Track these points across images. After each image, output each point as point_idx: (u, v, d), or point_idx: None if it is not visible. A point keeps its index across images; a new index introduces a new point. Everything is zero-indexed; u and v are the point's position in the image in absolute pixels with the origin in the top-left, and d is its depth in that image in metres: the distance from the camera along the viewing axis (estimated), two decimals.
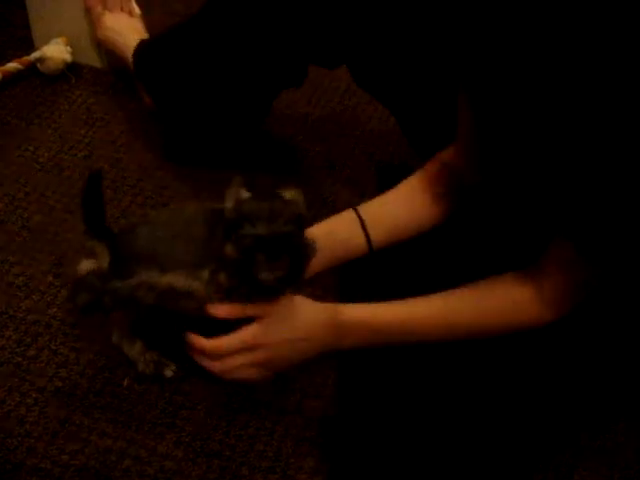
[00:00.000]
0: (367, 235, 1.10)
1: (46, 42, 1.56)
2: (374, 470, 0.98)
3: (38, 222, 1.28)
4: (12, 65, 1.54)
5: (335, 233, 1.10)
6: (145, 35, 1.52)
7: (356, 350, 1.06)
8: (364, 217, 1.10)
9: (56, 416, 1.04)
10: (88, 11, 1.53)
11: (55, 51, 1.55)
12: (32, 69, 1.56)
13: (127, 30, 1.51)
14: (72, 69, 1.57)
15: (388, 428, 1.02)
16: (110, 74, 1.58)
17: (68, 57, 1.56)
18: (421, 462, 0.97)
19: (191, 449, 1.03)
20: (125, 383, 1.09)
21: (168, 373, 1.10)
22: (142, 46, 1.44)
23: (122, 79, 1.56)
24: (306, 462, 1.03)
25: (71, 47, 1.57)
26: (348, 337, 0.99)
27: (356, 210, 1.11)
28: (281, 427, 1.06)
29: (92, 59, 1.59)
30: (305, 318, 0.97)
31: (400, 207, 1.12)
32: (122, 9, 1.55)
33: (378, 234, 1.10)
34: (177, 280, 0.99)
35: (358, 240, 1.10)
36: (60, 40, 1.57)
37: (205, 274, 0.97)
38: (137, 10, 1.58)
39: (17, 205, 1.31)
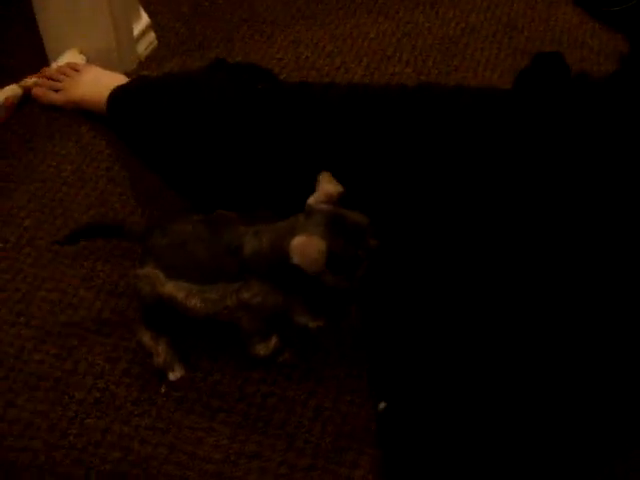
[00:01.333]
0: None
1: (60, 54, 1.58)
2: (416, 462, 1.00)
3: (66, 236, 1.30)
4: (31, 80, 1.55)
5: None
6: (101, 74, 1.52)
7: (386, 342, 1.09)
8: None
9: (97, 426, 1.07)
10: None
11: (72, 60, 1.57)
12: None
13: (91, 89, 1.50)
14: None
15: (426, 421, 1.03)
16: None
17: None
18: (460, 450, 0.98)
19: (231, 451, 1.04)
20: (162, 390, 1.10)
21: (171, 376, 1.12)
22: (116, 97, 1.43)
23: None
24: (346, 456, 1.04)
25: (85, 57, 1.59)
26: None
27: None
28: (318, 424, 1.07)
29: (107, 68, 1.60)
30: None
31: None
32: (67, 75, 1.54)
33: None
34: (178, 293, 1.04)
35: None
36: (74, 50, 1.58)
37: (212, 294, 1.03)
38: (81, 58, 1.58)
39: (44, 220, 1.33)
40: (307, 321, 1.08)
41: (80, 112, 1.51)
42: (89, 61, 1.58)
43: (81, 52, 1.58)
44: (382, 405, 1.06)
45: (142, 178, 1.40)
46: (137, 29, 1.63)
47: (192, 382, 1.11)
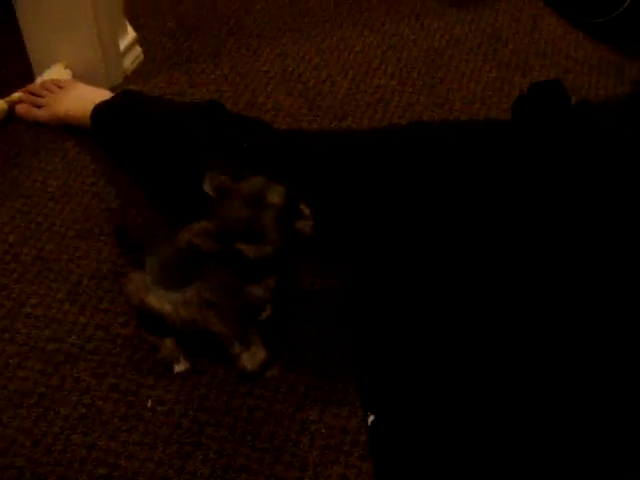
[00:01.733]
0: None
1: (45, 68, 1.58)
2: (407, 473, 0.99)
3: (51, 251, 1.30)
4: (17, 95, 1.55)
5: None
6: (84, 90, 1.52)
7: (374, 353, 1.08)
8: None
9: (83, 443, 1.06)
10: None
11: (57, 74, 1.57)
12: None
13: (75, 104, 1.49)
14: None
15: (416, 432, 1.03)
16: None
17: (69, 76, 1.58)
18: (451, 463, 0.98)
19: (218, 466, 1.03)
20: (149, 405, 1.10)
21: (177, 368, 1.13)
22: (100, 112, 1.43)
23: None
24: (334, 470, 1.03)
25: (71, 72, 1.59)
26: None
27: None
28: (306, 437, 1.07)
29: (93, 83, 1.60)
30: None
31: None
32: (50, 91, 1.54)
33: None
34: (155, 300, 1.06)
35: None
36: (59, 64, 1.58)
37: (177, 297, 1.05)
38: (66, 73, 1.58)
39: (30, 236, 1.32)
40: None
41: (65, 128, 1.51)
42: (75, 75, 1.58)
43: (66, 67, 1.58)
44: (371, 418, 1.06)
45: (127, 193, 1.40)
46: (123, 44, 1.63)
47: (178, 396, 1.11)
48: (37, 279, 1.26)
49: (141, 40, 1.70)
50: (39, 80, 1.57)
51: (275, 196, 0.98)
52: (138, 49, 1.68)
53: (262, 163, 1.14)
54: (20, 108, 1.53)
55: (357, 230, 1.14)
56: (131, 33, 1.66)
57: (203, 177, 1.00)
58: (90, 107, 1.43)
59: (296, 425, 1.08)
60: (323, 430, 1.07)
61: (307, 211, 0.99)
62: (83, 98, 1.48)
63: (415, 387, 1.07)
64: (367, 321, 1.16)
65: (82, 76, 1.58)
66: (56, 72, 1.57)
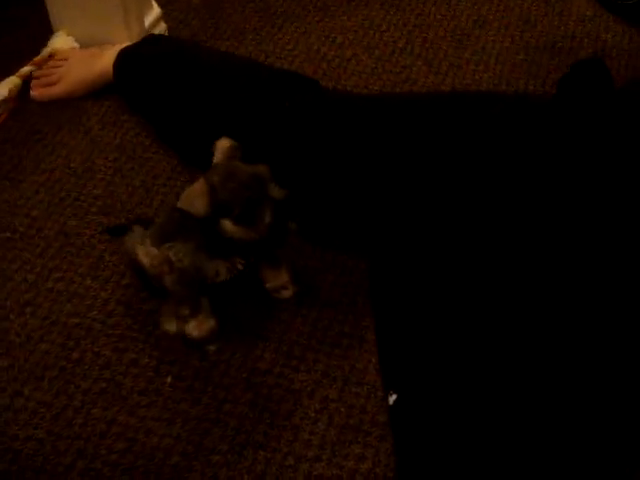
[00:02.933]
0: None
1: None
2: (428, 454, 0.99)
3: (74, 226, 1.30)
4: (27, 68, 1.55)
5: None
6: (87, 53, 1.53)
7: (399, 333, 1.08)
8: None
9: (103, 417, 1.06)
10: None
11: (63, 43, 1.58)
12: None
13: (85, 69, 1.52)
14: None
15: (437, 412, 1.02)
16: None
17: (76, 45, 1.58)
18: (471, 442, 0.98)
19: (236, 442, 1.03)
20: (168, 380, 1.10)
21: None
22: (122, 59, 1.46)
23: None
24: (352, 449, 1.03)
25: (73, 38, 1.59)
26: None
27: None
28: (324, 415, 1.06)
29: None
30: None
31: None
32: (57, 66, 1.54)
33: None
34: (139, 254, 1.10)
35: None
36: (62, 32, 1.59)
37: (154, 251, 1.08)
38: (70, 41, 1.59)
39: (52, 211, 1.32)
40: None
41: (88, 99, 1.52)
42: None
43: (69, 34, 1.58)
44: (393, 397, 1.05)
45: (149, 167, 1.40)
46: (148, 20, 1.62)
47: (198, 373, 1.11)
48: (60, 254, 1.26)
49: (166, 17, 1.69)
50: (47, 50, 1.57)
51: (276, 190, 1.00)
52: (163, 25, 1.67)
53: (302, 124, 1.14)
54: (34, 93, 1.53)
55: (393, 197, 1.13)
56: (156, 9, 1.65)
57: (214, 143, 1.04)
58: (98, 67, 1.46)
59: (315, 403, 1.07)
60: (342, 409, 1.07)
61: (294, 225, 1.03)
62: (90, 61, 1.50)
63: (438, 368, 1.06)
64: (391, 301, 1.15)
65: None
66: (61, 41, 1.58)
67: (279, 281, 1.17)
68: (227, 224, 1.01)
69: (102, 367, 1.11)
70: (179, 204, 1.04)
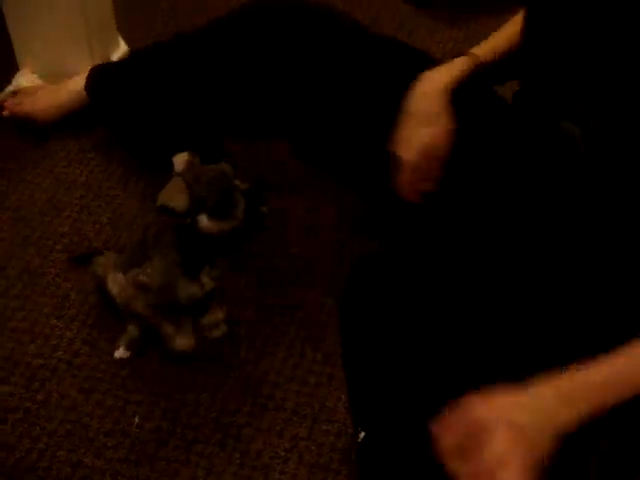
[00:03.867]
0: None
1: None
2: None
3: (38, 265, 1.28)
4: None
5: None
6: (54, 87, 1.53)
7: (369, 369, 1.07)
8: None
9: (68, 459, 1.04)
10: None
11: (27, 80, 1.57)
12: None
13: (51, 96, 1.52)
14: None
15: (407, 450, 1.02)
16: None
17: (40, 82, 1.58)
18: None
19: None
20: (135, 421, 1.08)
21: (116, 354, 1.14)
22: (96, 73, 1.47)
23: None
24: None
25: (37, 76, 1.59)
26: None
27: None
28: (295, 454, 1.05)
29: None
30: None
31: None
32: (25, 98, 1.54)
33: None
34: (109, 283, 1.13)
35: None
36: (26, 70, 1.59)
37: (121, 278, 1.10)
38: (34, 78, 1.59)
39: (16, 249, 1.31)
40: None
41: (53, 138, 1.51)
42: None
43: (33, 71, 1.58)
44: (362, 434, 1.05)
45: (116, 204, 1.39)
46: (115, 57, 1.62)
47: (165, 413, 1.09)
48: (23, 293, 1.24)
49: None
50: (10, 88, 1.56)
51: (241, 182, 1.06)
52: None
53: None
54: (5, 113, 1.52)
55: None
56: (123, 47, 1.65)
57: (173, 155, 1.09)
58: (67, 88, 1.48)
59: (285, 442, 1.06)
60: (312, 447, 1.06)
61: (265, 209, 1.09)
62: (57, 87, 1.51)
63: (408, 406, 1.06)
64: (361, 338, 1.15)
65: None
66: (25, 79, 1.57)
67: (214, 318, 1.18)
68: (204, 220, 1.04)
69: (68, 408, 1.09)
70: (159, 202, 1.04)
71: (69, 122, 1.52)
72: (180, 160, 1.08)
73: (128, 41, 1.67)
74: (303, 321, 1.21)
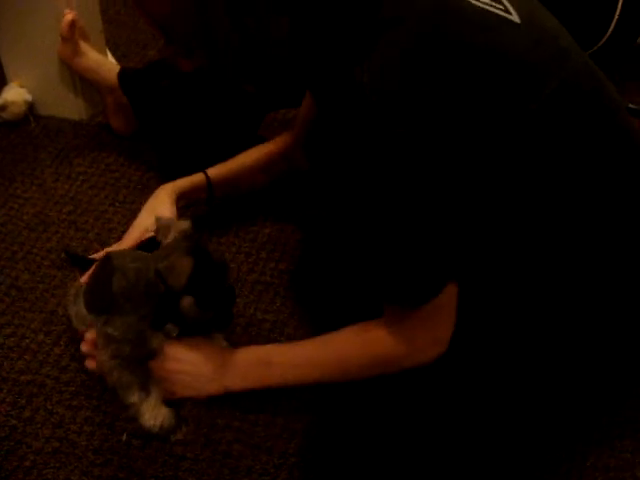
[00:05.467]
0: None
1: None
2: None
3: (26, 280, 1.27)
4: None
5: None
6: None
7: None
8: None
9: (55, 478, 1.02)
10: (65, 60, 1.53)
11: (15, 95, 1.58)
12: None
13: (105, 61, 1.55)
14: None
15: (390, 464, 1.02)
16: (89, 126, 1.59)
17: (29, 97, 1.59)
18: None
19: None
20: (124, 438, 1.07)
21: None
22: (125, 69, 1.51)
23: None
24: None
25: (49, 102, 1.59)
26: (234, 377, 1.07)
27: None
28: (284, 471, 1.04)
29: (73, 112, 1.60)
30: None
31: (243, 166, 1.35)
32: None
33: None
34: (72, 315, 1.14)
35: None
36: (14, 84, 1.59)
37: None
38: (23, 92, 1.59)
39: (4, 265, 1.30)
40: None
41: (41, 154, 1.50)
42: (55, 106, 1.59)
43: (22, 86, 1.59)
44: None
45: (104, 219, 1.38)
46: None
47: None
48: (11, 309, 1.23)
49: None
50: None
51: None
52: None
53: None
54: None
55: None
56: (111, 60, 1.65)
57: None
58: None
59: (274, 458, 1.05)
60: (302, 464, 1.05)
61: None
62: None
63: None
64: None
65: (58, 107, 1.59)
66: (14, 93, 1.58)
67: (160, 416, 1.10)
68: (188, 303, 1.02)
69: (55, 425, 1.08)
70: (160, 268, 1.00)
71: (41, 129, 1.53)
72: (177, 229, 1.06)
73: (117, 56, 1.68)
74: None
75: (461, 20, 0.87)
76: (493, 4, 0.91)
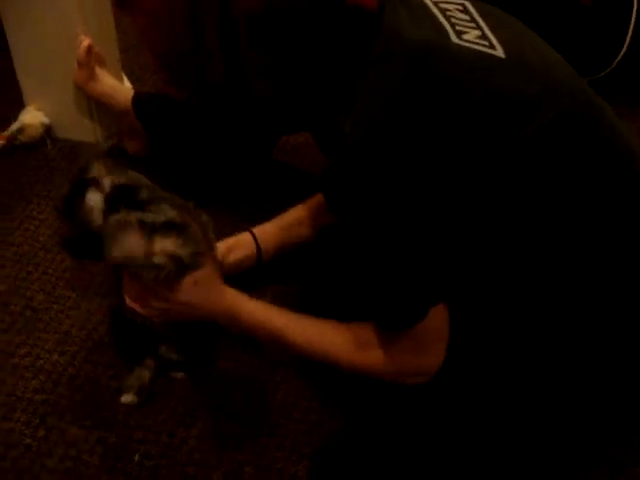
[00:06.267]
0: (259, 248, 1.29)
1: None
2: None
3: (41, 301, 1.29)
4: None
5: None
6: None
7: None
8: (257, 234, 1.29)
9: None
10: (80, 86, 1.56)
11: (32, 118, 1.60)
12: (13, 147, 1.59)
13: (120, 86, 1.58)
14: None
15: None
16: (103, 148, 1.61)
17: (46, 120, 1.61)
18: None
19: None
20: (136, 459, 1.08)
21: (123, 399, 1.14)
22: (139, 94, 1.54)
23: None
24: None
25: (66, 125, 1.61)
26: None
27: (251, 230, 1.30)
28: None
29: (89, 135, 1.62)
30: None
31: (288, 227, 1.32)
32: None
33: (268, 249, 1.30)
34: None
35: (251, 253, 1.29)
36: (31, 107, 1.62)
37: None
38: (40, 115, 1.62)
39: (19, 285, 1.32)
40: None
41: (58, 176, 1.52)
42: (70, 129, 1.62)
43: (39, 109, 1.61)
44: None
45: None
46: None
47: (166, 450, 1.09)
48: (26, 329, 1.25)
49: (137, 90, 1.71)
50: (16, 125, 1.59)
51: None
52: None
53: None
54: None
55: None
56: (127, 84, 1.67)
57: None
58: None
59: None
60: None
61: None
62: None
63: None
64: None
65: (77, 130, 1.62)
66: (30, 116, 1.60)
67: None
68: (168, 352, 1.18)
69: (69, 445, 1.10)
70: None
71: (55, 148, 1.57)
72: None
73: (132, 80, 1.70)
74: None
75: (447, 58, 0.90)
76: (478, 41, 0.93)
